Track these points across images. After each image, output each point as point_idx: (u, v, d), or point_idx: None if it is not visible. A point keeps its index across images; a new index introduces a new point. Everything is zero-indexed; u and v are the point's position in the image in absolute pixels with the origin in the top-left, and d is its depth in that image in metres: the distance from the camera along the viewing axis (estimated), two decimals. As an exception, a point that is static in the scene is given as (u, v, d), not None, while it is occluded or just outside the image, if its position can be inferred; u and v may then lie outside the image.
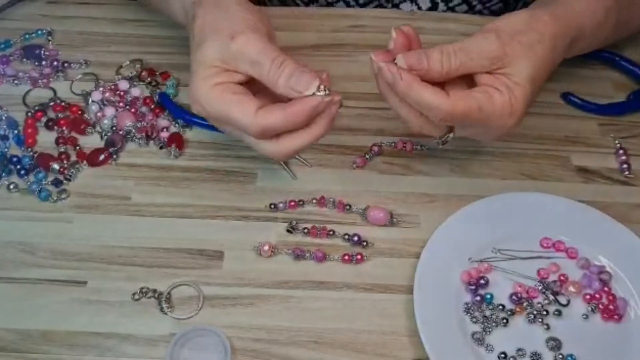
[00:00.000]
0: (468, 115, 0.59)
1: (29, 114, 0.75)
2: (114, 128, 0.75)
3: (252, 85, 0.62)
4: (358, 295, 0.65)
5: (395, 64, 0.60)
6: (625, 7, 0.74)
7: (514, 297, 0.64)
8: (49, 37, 0.83)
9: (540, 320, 0.63)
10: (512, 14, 0.64)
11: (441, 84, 0.61)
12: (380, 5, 0.90)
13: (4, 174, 0.70)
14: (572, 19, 0.67)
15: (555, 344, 0.62)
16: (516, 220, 0.69)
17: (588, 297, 0.65)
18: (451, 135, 0.64)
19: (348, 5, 0.90)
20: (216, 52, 0.60)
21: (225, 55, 0.60)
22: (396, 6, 0.89)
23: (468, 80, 0.62)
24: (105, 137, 0.74)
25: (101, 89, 0.78)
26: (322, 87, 0.59)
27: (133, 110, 0.76)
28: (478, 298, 0.64)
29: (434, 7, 0.89)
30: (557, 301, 0.64)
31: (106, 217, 0.68)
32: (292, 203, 0.70)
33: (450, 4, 0.89)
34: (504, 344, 0.62)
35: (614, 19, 0.72)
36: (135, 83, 0.79)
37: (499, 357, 0.61)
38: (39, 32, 0.84)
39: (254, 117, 0.58)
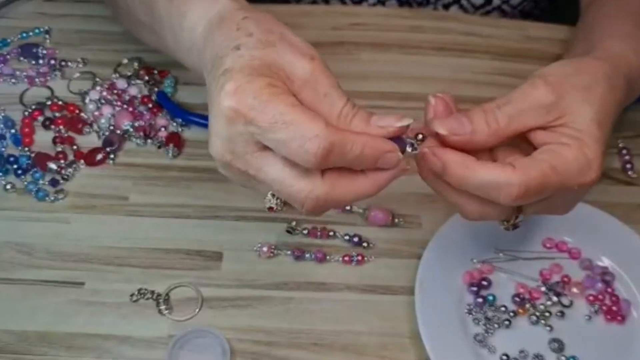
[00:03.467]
0: (545, 184, 0.49)
1: (26, 113, 0.75)
2: (112, 127, 0.74)
3: None
4: (359, 297, 0.64)
5: (438, 139, 0.51)
6: None
7: (516, 298, 0.64)
8: (46, 36, 0.83)
9: (543, 321, 0.63)
10: (555, 63, 0.56)
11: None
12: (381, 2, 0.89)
13: (0, 174, 0.70)
14: (617, 58, 0.59)
15: (558, 346, 0.61)
16: (518, 221, 0.68)
17: (591, 298, 0.65)
18: (521, 216, 0.55)
19: (343, 2, 0.89)
20: (286, 63, 0.48)
21: (295, 72, 0.48)
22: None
23: (520, 149, 0.53)
24: (103, 137, 0.73)
25: (99, 87, 0.78)
26: (419, 135, 0.51)
27: (131, 109, 0.75)
28: (480, 299, 0.63)
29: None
30: (560, 302, 0.64)
31: (104, 217, 0.68)
32: (292, 203, 0.70)
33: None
34: (507, 346, 0.61)
35: None
36: (133, 82, 0.79)
37: (501, 358, 0.61)
38: (36, 30, 0.83)
39: (322, 123, 0.46)
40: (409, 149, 0.50)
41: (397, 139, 0.49)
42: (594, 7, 0.74)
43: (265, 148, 0.47)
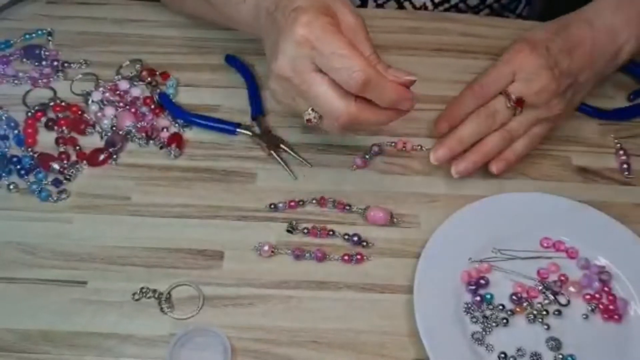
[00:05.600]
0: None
1: (29, 114, 0.75)
2: (114, 128, 0.75)
3: None
4: (358, 295, 0.65)
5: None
6: None
7: (514, 297, 0.64)
8: (49, 37, 0.83)
9: (540, 320, 0.63)
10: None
11: None
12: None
13: (4, 174, 0.70)
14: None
15: (555, 344, 0.62)
16: (516, 220, 0.69)
17: (588, 297, 0.65)
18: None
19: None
20: (339, 11, 0.61)
21: (344, 18, 0.61)
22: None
23: None
24: (105, 137, 0.74)
25: (101, 89, 0.78)
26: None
27: (133, 110, 0.76)
28: (478, 298, 0.64)
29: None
30: (557, 301, 0.64)
31: (106, 217, 0.68)
32: (292, 203, 0.70)
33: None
34: (504, 344, 0.62)
35: None
36: (135, 83, 0.79)
37: (499, 357, 0.61)
38: (39, 32, 0.84)
39: (366, 61, 0.58)
40: None
41: None
42: None
43: (319, 71, 0.59)
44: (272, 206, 0.70)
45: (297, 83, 0.60)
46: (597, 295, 0.65)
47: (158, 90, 0.79)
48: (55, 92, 0.78)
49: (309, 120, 0.61)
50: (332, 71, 0.58)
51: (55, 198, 0.69)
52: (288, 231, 0.68)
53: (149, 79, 0.79)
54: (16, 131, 0.74)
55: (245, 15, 0.70)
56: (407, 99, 0.60)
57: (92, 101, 0.77)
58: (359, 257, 0.67)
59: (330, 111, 0.60)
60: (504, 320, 0.63)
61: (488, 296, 0.64)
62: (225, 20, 0.76)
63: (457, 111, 0.72)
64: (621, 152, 0.76)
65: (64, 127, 0.74)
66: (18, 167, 0.71)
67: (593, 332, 0.63)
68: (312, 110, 0.61)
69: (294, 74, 0.60)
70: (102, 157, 0.72)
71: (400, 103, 0.60)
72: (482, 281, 0.65)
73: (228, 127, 0.75)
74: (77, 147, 0.73)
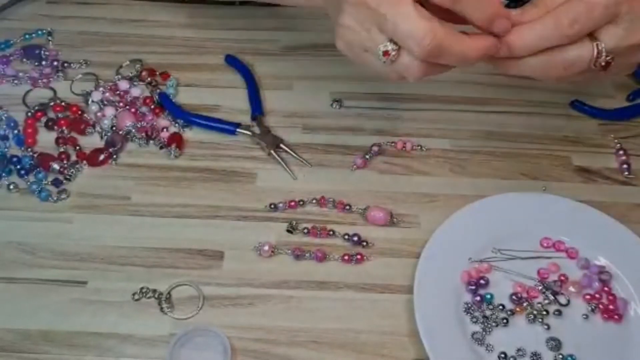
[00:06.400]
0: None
1: (29, 114, 0.75)
2: (114, 128, 0.75)
3: None
4: (358, 295, 0.65)
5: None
6: None
7: (514, 297, 0.64)
8: (49, 37, 0.83)
9: (540, 320, 0.63)
10: None
11: None
12: None
13: (4, 174, 0.70)
14: None
15: (555, 344, 0.62)
16: (516, 220, 0.69)
17: (588, 297, 0.65)
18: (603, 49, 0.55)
19: None
20: None
21: None
22: None
23: None
24: (105, 137, 0.74)
25: (101, 89, 0.78)
26: None
27: (133, 110, 0.76)
28: (478, 298, 0.64)
29: None
30: (557, 301, 0.64)
31: (106, 217, 0.68)
32: (292, 203, 0.70)
33: None
34: (504, 344, 0.61)
35: None
36: (135, 83, 0.79)
37: (499, 357, 0.61)
38: (39, 32, 0.84)
39: None
40: None
41: None
42: None
43: None
44: (272, 206, 0.70)
45: (375, 5, 0.54)
46: (597, 295, 0.65)
47: (158, 90, 0.79)
48: (55, 92, 0.78)
49: (386, 54, 0.55)
50: None
51: (55, 198, 0.69)
52: (288, 231, 0.68)
53: (149, 79, 0.79)
54: (16, 131, 0.74)
55: None
56: (504, 16, 0.54)
57: (92, 101, 0.77)
58: (359, 257, 0.67)
59: (414, 33, 0.53)
60: (504, 320, 0.63)
61: (488, 296, 0.64)
62: None
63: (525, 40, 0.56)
64: (621, 152, 0.76)
65: (64, 127, 0.74)
66: (18, 167, 0.71)
67: (593, 332, 0.63)
68: (390, 41, 0.55)
69: None
70: (102, 157, 0.72)
71: (495, 21, 0.54)
72: (482, 281, 0.65)
73: (228, 127, 0.75)
74: (77, 147, 0.73)
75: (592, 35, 0.55)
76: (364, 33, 0.56)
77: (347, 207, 0.70)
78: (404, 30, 0.53)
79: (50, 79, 0.79)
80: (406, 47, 0.54)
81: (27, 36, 0.83)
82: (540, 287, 0.65)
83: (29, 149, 0.72)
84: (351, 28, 0.57)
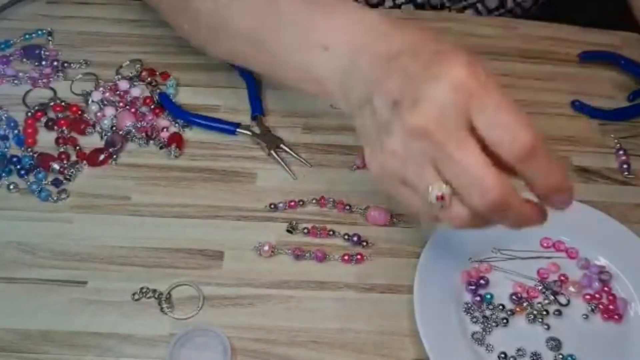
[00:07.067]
0: None
1: (29, 114, 0.75)
2: (114, 128, 0.75)
3: None
4: (358, 295, 0.65)
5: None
6: None
7: (514, 297, 0.64)
8: (49, 37, 0.83)
9: (540, 320, 0.63)
10: None
11: None
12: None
13: (4, 174, 0.70)
14: None
15: (555, 344, 0.62)
16: (516, 220, 0.69)
17: (588, 297, 0.65)
18: None
19: None
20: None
21: None
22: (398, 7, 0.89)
23: None
24: (105, 137, 0.74)
25: (101, 89, 0.78)
26: None
27: (133, 110, 0.76)
28: (478, 298, 0.64)
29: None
30: (557, 301, 0.65)
31: (106, 217, 0.68)
32: (292, 203, 0.70)
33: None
34: (504, 344, 0.62)
35: None
36: (135, 83, 0.79)
37: (499, 357, 0.61)
38: (39, 32, 0.84)
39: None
40: None
41: None
42: None
43: (472, 131, 0.46)
44: (272, 206, 0.70)
45: (440, 140, 0.46)
46: (597, 295, 0.65)
47: (158, 90, 0.79)
48: (55, 92, 0.78)
49: (441, 197, 0.47)
50: (494, 128, 0.45)
51: (55, 198, 0.69)
52: (288, 231, 0.68)
53: (149, 79, 0.79)
54: (16, 131, 0.74)
55: (322, 65, 0.57)
56: (569, 189, 0.48)
57: (92, 101, 0.77)
58: (359, 257, 0.67)
59: (482, 182, 0.45)
60: (504, 320, 0.63)
61: (488, 296, 0.64)
62: (276, 68, 0.62)
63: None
64: (621, 152, 0.76)
65: (64, 127, 0.74)
66: (18, 167, 0.71)
67: (593, 332, 0.63)
68: (446, 184, 0.47)
69: (439, 127, 0.45)
70: (102, 157, 0.72)
71: (560, 189, 0.48)
72: (482, 281, 0.65)
73: (228, 127, 0.75)
74: (77, 147, 0.73)
75: None
76: (413, 167, 0.48)
77: (347, 207, 0.70)
78: (472, 177, 0.46)
79: (50, 79, 0.79)
80: (464, 195, 0.47)
81: (27, 36, 0.83)
82: (540, 287, 0.65)
83: (29, 149, 0.72)
84: (397, 156, 0.48)
